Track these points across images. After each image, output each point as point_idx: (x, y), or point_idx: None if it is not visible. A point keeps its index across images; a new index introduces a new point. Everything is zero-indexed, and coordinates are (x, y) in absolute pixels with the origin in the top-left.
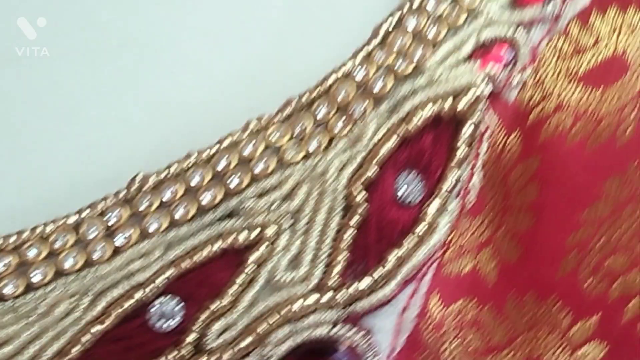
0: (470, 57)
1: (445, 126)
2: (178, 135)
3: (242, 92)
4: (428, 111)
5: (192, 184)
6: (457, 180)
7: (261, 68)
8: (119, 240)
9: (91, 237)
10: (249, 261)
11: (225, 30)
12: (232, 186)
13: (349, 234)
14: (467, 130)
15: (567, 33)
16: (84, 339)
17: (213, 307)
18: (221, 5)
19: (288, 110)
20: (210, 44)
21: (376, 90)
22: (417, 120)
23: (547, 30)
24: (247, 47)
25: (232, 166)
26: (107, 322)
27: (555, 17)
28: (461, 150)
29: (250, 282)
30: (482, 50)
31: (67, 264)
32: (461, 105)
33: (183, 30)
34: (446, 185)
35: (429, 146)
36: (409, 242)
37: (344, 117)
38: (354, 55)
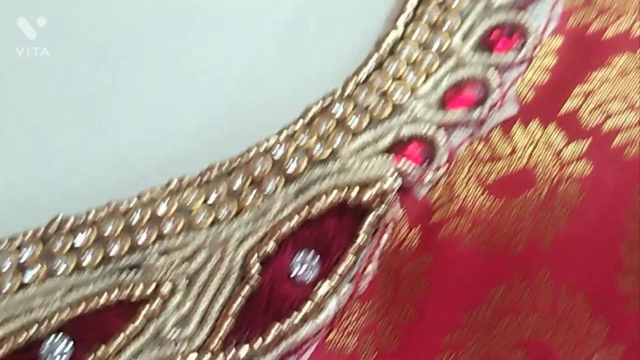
0: (387, 150)
1: (350, 213)
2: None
3: (220, 122)
4: (333, 197)
5: (105, 233)
6: (353, 266)
7: (237, 99)
8: (27, 277)
9: (3, 269)
10: (140, 314)
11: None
12: (139, 241)
13: (238, 303)
14: (369, 220)
15: (488, 139)
16: None
17: (99, 352)
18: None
19: (207, 176)
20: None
21: (289, 170)
22: (321, 204)
23: (470, 134)
24: (225, 79)
25: (144, 222)
26: (0, 352)
27: (479, 123)
28: (361, 238)
29: (137, 334)
30: (400, 146)
31: None
32: (366, 196)
33: (184, 28)
34: (341, 269)
35: (330, 230)
36: (293, 319)
37: (255, 190)
38: (280, 133)
